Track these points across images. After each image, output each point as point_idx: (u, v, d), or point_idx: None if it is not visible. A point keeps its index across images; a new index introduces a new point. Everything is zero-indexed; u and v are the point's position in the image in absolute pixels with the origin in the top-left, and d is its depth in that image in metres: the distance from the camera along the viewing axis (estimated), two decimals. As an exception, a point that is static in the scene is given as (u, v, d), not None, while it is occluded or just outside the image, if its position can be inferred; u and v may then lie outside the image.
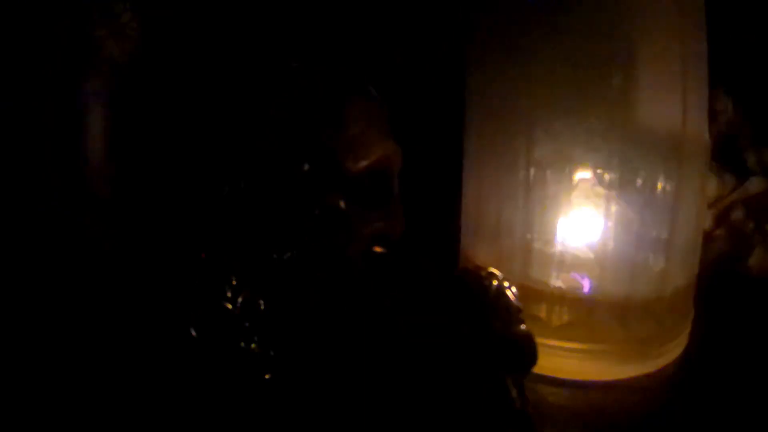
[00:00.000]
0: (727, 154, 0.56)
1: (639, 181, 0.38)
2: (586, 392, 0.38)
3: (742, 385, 0.39)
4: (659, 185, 0.39)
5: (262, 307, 0.37)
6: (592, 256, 0.40)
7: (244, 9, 0.55)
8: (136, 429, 0.34)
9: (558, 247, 0.41)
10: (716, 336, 0.45)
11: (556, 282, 0.40)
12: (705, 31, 0.39)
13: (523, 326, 0.32)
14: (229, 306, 0.36)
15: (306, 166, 0.44)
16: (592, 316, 0.39)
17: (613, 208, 0.39)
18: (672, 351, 0.41)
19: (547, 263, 0.41)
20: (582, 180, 0.39)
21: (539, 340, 0.32)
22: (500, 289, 0.32)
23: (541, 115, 0.39)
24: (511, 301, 0.32)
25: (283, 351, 0.38)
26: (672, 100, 0.38)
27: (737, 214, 0.56)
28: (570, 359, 0.39)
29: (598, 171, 0.38)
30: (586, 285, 0.40)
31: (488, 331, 0.31)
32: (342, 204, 0.44)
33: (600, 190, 0.39)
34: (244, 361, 0.36)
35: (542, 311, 0.40)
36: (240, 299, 0.36)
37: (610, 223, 0.39)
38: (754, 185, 0.56)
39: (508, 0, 0.39)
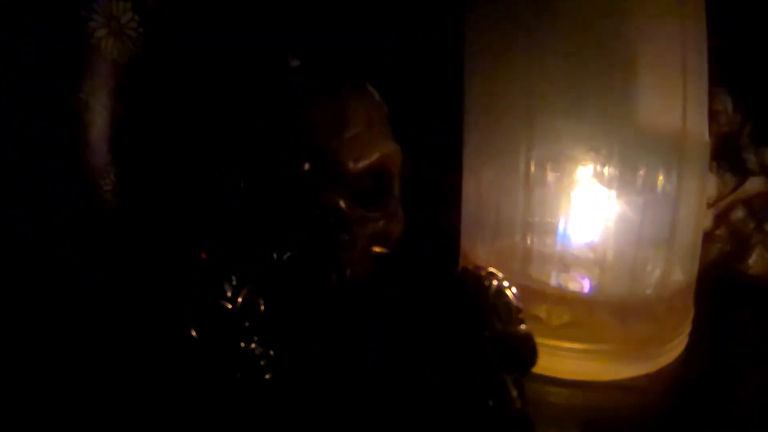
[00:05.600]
0: (727, 154, 0.56)
1: (639, 181, 0.38)
2: (586, 392, 0.38)
3: (742, 385, 0.39)
4: (659, 185, 0.39)
5: (262, 307, 0.37)
6: (592, 256, 0.40)
7: (243, 8, 0.55)
8: (136, 429, 0.34)
9: (558, 247, 0.41)
10: (716, 336, 0.45)
11: (556, 282, 0.40)
12: (705, 31, 0.39)
13: (523, 326, 0.32)
14: (229, 306, 0.36)
15: (306, 166, 0.44)
16: (592, 316, 0.39)
17: (613, 207, 0.39)
18: (672, 351, 0.41)
19: (547, 263, 0.41)
20: (582, 180, 0.39)
21: (539, 340, 0.32)
22: (500, 289, 0.32)
23: (541, 115, 0.39)
24: (511, 301, 0.32)
25: (283, 351, 0.38)
26: (672, 100, 0.38)
27: (737, 214, 0.56)
28: (570, 359, 0.39)
29: (598, 171, 0.38)
30: (586, 285, 0.40)
31: (488, 331, 0.31)
32: (342, 204, 0.44)
33: (600, 189, 0.39)
34: (244, 361, 0.36)
35: (542, 311, 0.40)
36: (240, 299, 0.36)
37: (610, 223, 0.39)
38: (754, 185, 0.56)
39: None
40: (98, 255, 0.45)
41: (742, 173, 0.56)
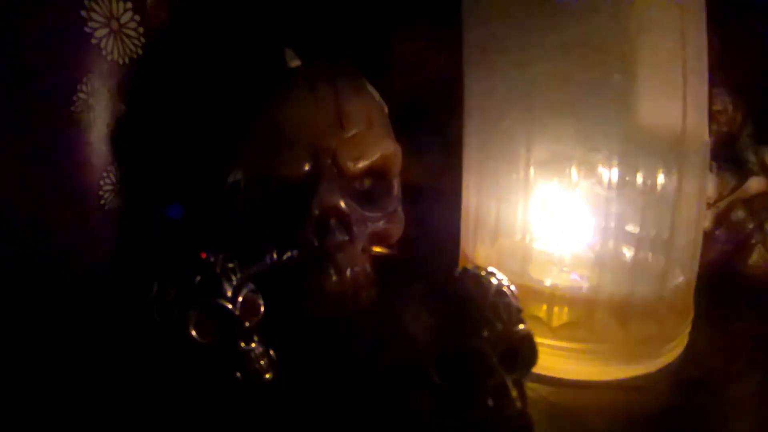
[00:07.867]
0: (727, 154, 0.56)
1: (639, 181, 0.38)
2: (586, 392, 0.38)
3: (742, 384, 0.39)
4: (659, 185, 0.39)
5: (262, 307, 0.37)
6: (592, 256, 0.40)
7: (244, 9, 0.55)
8: (137, 429, 0.34)
9: (558, 247, 0.41)
10: (716, 336, 0.45)
11: (556, 282, 0.40)
12: (705, 31, 0.39)
13: (523, 326, 0.32)
14: (229, 306, 0.36)
15: (306, 166, 0.44)
16: (592, 316, 0.39)
17: (613, 208, 0.39)
18: (672, 351, 0.41)
19: (547, 263, 0.41)
20: (582, 180, 0.39)
21: (539, 340, 0.32)
22: (500, 289, 0.32)
23: (540, 115, 0.39)
24: (511, 301, 0.32)
25: (283, 351, 0.38)
26: (672, 100, 0.38)
27: (737, 214, 0.56)
28: (570, 359, 0.39)
29: (598, 171, 0.38)
30: (585, 285, 0.40)
31: (488, 331, 0.31)
32: (342, 204, 0.44)
33: (600, 190, 0.39)
34: (244, 361, 0.36)
35: (542, 311, 0.40)
36: (240, 299, 0.36)
37: (610, 223, 0.39)
38: (754, 185, 0.56)
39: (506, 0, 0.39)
40: (98, 255, 0.45)
41: (742, 173, 0.56)
